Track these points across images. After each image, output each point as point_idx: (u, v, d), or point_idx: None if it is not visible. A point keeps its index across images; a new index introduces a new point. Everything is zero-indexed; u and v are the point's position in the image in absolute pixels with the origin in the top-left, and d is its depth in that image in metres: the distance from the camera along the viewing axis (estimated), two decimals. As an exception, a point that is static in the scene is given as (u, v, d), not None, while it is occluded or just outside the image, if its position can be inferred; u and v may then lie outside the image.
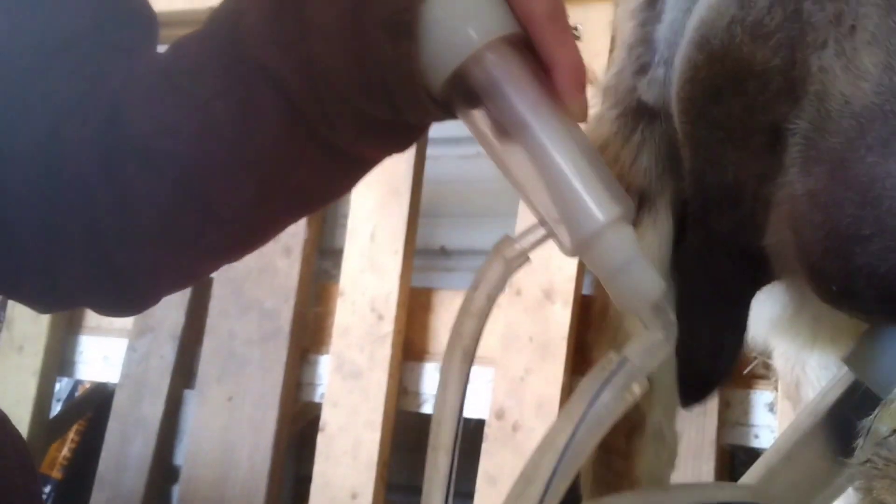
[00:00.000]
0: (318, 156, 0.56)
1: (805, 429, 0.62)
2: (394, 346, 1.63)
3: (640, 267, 0.46)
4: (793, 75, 0.57)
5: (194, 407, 1.74)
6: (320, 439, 1.63)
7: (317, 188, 0.59)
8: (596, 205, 0.46)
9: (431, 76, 0.49)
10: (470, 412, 1.60)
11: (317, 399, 1.70)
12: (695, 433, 1.41)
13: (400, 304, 1.65)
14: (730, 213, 0.61)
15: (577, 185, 0.47)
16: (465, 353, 0.53)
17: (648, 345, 0.46)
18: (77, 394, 2.16)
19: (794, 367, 1.17)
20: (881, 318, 0.59)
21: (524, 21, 0.49)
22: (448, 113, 0.52)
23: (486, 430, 1.52)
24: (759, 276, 0.64)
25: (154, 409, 1.78)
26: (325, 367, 1.69)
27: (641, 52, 0.71)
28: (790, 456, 0.61)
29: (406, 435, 1.66)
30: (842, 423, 0.60)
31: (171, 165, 0.55)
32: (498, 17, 0.49)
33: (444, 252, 2.14)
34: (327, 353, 1.69)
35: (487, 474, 1.50)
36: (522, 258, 0.51)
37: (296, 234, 1.73)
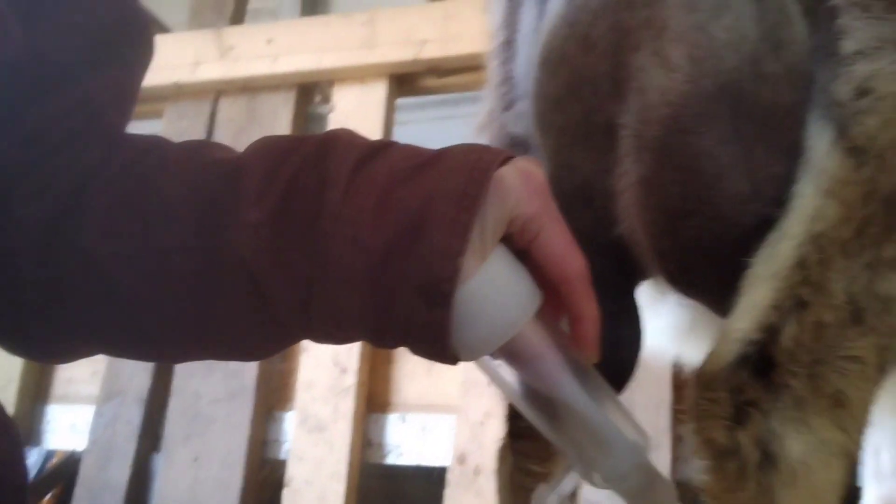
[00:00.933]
0: (272, 335, 0.56)
1: None
2: (357, 398, 1.66)
3: (662, 484, 0.53)
4: (618, 77, 0.62)
5: (161, 469, 1.75)
6: (286, 494, 1.63)
7: (264, 352, 0.59)
8: (623, 451, 0.52)
9: (465, 346, 0.50)
10: (432, 461, 1.62)
11: (282, 456, 1.71)
12: (649, 467, 1.43)
13: (363, 357, 1.68)
14: (586, 210, 0.66)
15: (606, 436, 0.52)
16: None
17: None
18: (49, 464, 2.15)
19: None
20: (720, 298, 0.63)
21: (559, 280, 0.53)
22: (458, 361, 0.53)
23: (449, 475, 1.53)
24: (629, 267, 0.68)
25: (121, 474, 1.78)
26: (291, 424, 1.71)
27: (506, 90, 0.77)
28: None
29: (371, 487, 1.67)
30: None
31: (108, 279, 0.53)
32: (531, 293, 0.52)
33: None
34: (292, 409, 1.71)
35: (451, 520, 1.52)
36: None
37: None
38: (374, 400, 1.69)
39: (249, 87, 1.91)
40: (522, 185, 0.51)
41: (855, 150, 0.56)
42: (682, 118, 0.59)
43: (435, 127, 2.43)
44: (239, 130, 1.91)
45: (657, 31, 0.60)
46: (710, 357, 0.58)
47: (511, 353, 0.52)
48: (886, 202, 0.56)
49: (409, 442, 1.65)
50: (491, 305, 0.50)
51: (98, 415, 1.83)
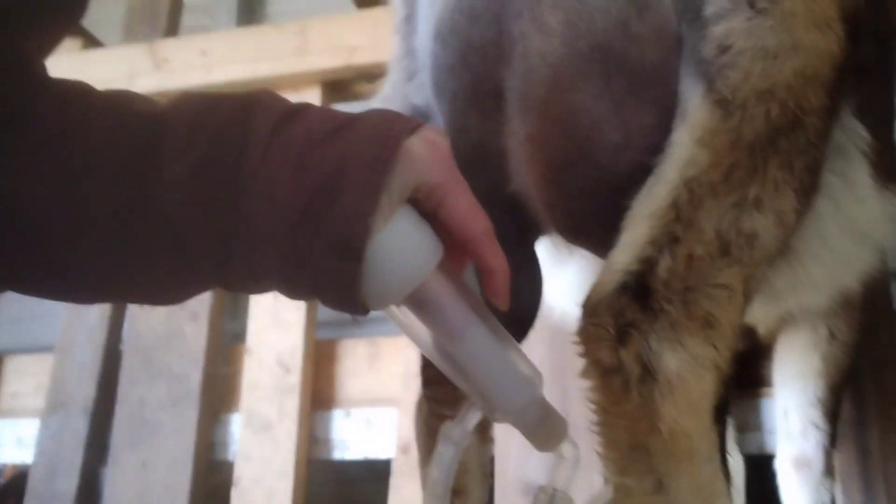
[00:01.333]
0: (189, 281, 0.59)
1: None
2: (301, 396, 1.69)
3: (554, 420, 0.59)
4: (502, 44, 0.68)
5: (110, 477, 1.76)
6: (234, 494, 1.65)
7: (177, 298, 0.61)
8: (519, 389, 0.58)
9: (372, 296, 0.55)
10: (378, 453, 1.66)
11: (230, 457, 1.73)
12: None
13: (306, 356, 1.72)
14: (482, 169, 0.71)
15: (505, 376, 0.58)
16: None
17: (568, 471, 0.59)
18: (-1, 479, 2.14)
19: None
20: (603, 244, 0.69)
21: (466, 239, 0.58)
22: (367, 311, 0.57)
23: (393, 465, 1.58)
24: (527, 222, 0.74)
25: (69, 484, 1.78)
26: (237, 425, 1.73)
27: (407, 63, 0.84)
28: None
29: (319, 482, 1.71)
30: None
31: (25, 218, 0.55)
32: (432, 248, 0.57)
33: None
34: (238, 411, 1.74)
35: (397, 508, 1.56)
36: (467, 438, 0.61)
37: (202, 299, 1.80)
38: (318, 397, 1.73)
39: (185, 98, 1.94)
40: (429, 154, 0.56)
41: (721, 102, 0.62)
42: (560, 77, 0.65)
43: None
44: (176, 141, 1.93)
45: (535, 0, 0.66)
46: (595, 287, 0.64)
47: (417, 301, 0.57)
48: (750, 148, 0.62)
49: (354, 436, 1.69)
50: (396, 257, 0.55)
51: (44, 427, 1.83)
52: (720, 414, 0.62)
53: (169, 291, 0.61)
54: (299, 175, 0.53)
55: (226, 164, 0.54)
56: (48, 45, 0.61)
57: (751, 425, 1.38)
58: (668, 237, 0.62)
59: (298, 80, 1.86)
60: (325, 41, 1.84)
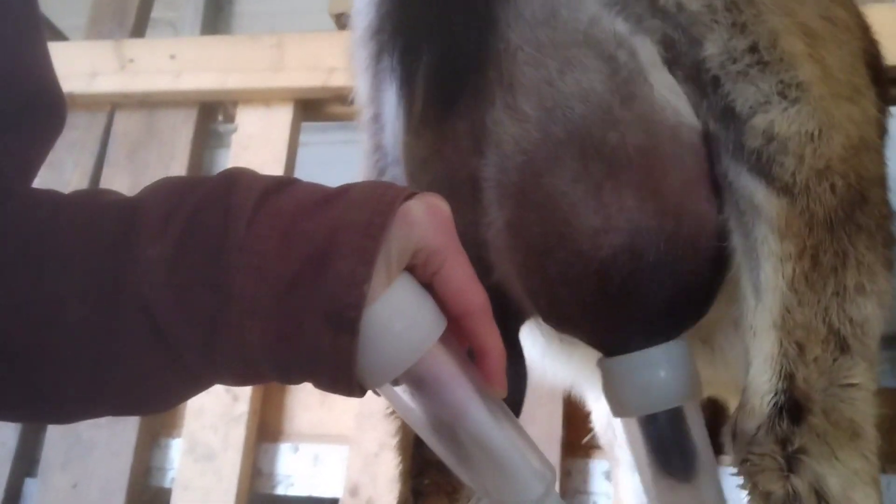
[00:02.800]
0: (177, 382, 0.55)
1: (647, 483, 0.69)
2: (248, 426, 1.63)
3: None
4: (476, 134, 0.66)
5: (37, 495, 1.67)
6: (169, 525, 1.59)
7: (167, 402, 0.58)
8: (530, 481, 0.54)
9: (370, 372, 0.51)
10: (324, 492, 1.61)
11: (167, 484, 1.66)
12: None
13: (256, 385, 1.66)
14: None
15: (514, 465, 0.54)
16: None
17: None
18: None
19: (606, 430, 1.28)
20: (589, 329, 0.68)
21: (460, 314, 0.54)
22: (365, 391, 0.53)
23: (340, 507, 1.54)
24: (509, 311, 0.72)
25: (-8, 499, 1.69)
26: (177, 451, 1.66)
27: (378, 158, 0.82)
28: None
29: (258, 519, 1.64)
30: (670, 452, 0.68)
31: None
32: (435, 318, 0.53)
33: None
34: (179, 436, 1.67)
35: (340, 553, 1.51)
36: None
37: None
38: (265, 428, 1.67)
39: (148, 102, 1.86)
40: (428, 219, 0.53)
41: (784, 189, 0.61)
42: (535, 162, 0.63)
43: (336, 150, 2.42)
44: (135, 145, 1.85)
45: (507, 87, 0.64)
46: (744, 412, 0.62)
47: (416, 379, 0.53)
48: (828, 226, 0.61)
49: (300, 472, 1.63)
50: (395, 330, 0.51)
51: (-31, 438, 1.73)
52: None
53: (155, 396, 0.56)
54: (287, 244, 0.50)
55: (207, 240, 0.50)
56: (26, 166, 0.58)
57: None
58: (796, 346, 0.60)
59: (271, 96, 1.80)
60: (302, 58, 1.78)
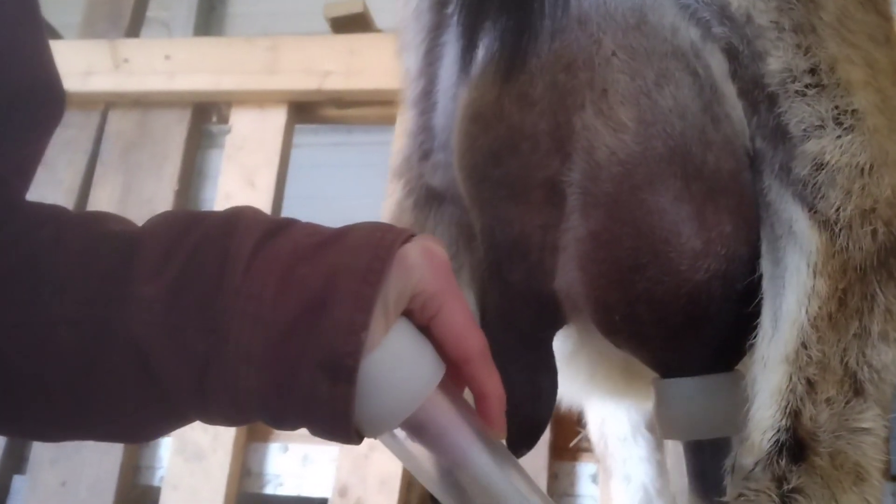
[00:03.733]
0: (163, 417, 0.54)
1: None
2: (238, 426, 1.64)
3: None
4: (559, 135, 0.65)
5: (26, 493, 1.67)
6: (158, 524, 1.60)
7: (151, 434, 0.57)
8: None
9: (369, 421, 0.50)
10: (313, 492, 1.62)
11: (156, 482, 1.67)
12: (526, 504, 1.49)
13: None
14: (520, 263, 0.67)
15: None
16: None
17: None
18: None
19: (600, 441, 1.28)
20: (656, 348, 0.67)
21: (459, 358, 0.53)
22: (362, 439, 0.52)
23: (329, 507, 1.55)
24: (553, 318, 0.70)
25: (-21, 496, 1.69)
26: (166, 450, 1.66)
27: (424, 139, 0.79)
28: None
29: (249, 518, 1.65)
30: (715, 479, 0.65)
31: None
32: (434, 365, 0.52)
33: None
34: (168, 435, 1.67)
35: (330, 552, 1.52)
36: None
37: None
38: (255, 428, 1.67)
39: (143, 102, 1.87)
40: (425, 263, 0.52)
41: (826, 224, 0.60)
42: (633, 175, 0.62)
43: (327, 152, 2.43)
44: (129, 144, 1.86)
45: (601, 93, 0.63)
46: (746, 447, 0.60)
47: (416, 426, 0.52)
48: (861, 272, 0.60)
49: (289, 472, 1.64)
50: (394, 377, 0.50)
51: (-44, 435, 1.73)
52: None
53: (140, 428, 0.56)
54: (285, 290, 0.49)
55: (204, 283, 0.50)
56: (26, 166, 0.57)
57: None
58: (806, 382, 0.59)
59: (265, 98, 1.81)
60: (297, 62, 1.79)
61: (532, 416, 0.68)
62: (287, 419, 0.50)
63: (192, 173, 1.87)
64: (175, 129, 1.87)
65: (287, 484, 1.64)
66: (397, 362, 0.50)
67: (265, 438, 1.67)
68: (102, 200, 1.80)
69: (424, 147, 0.79)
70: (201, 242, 0.51)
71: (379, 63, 1.71)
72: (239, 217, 0.53)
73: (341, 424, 0.49)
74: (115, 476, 1.64)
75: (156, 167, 1.83)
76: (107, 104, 1.89)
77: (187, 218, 0.54)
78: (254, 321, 0.48)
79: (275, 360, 0.48)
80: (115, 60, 1.85)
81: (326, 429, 0.50)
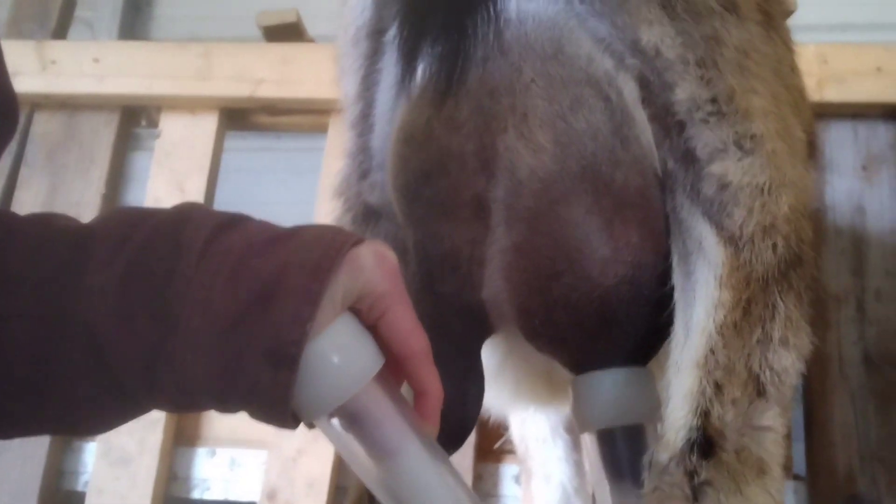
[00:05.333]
0: (116, 406, 0.55)
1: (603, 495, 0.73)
2: (165, 431, 1.64)
3: None
4: (485, 156, 0.70)
5: (-58, 501, 1.63)
6: (84, 528, 1.58)
7: (105, 425, 0.59)
8: None
9: (305, 405, 0.53)
10: (241, 496, 1.63)
11: (80, 487, 1.65)
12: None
13: (191, 412, 1.66)
14: (451, 275, 0.73)
15: (448, 499, 0.56)
16: None
17: None
18: None
19: (521, 443, 1.34)
20: (574, 349, 0.72)
21: (403, 357, 0.56)
22: (298, 423, 0.55)
23: (258, 511, 1.56)
24: (482, 327, 0.76)
25: None
26: (91, 455, 1.65)
27: (362, 160, 0.84)
28: None
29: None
30: (629, 466, 0.72)
31: None
32: (373, 355, 0.55)
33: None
34: (93, 440, 1.66)
35: (257, 555, 1.54)
36: None
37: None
38: (182, 433, 1.68)
39: (70, 104, 1.85)
40: (376, 265, 0.55)
41: (731, 239, 0.66)
42: (551, 192, 0.68)
43: (256, 157, 2.43)
44: (55, 146, 1.83)
45: (521, 117, 0.69)
46: (661, 445, 0.66)
47: (353, 415, 0.55)
48: (763, 283, 0.66)
49: (217, 476, 1.65)
50: (332, 363, 0.52)
51: None
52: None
53: (94, 418, 0.57)
54: (235, 281, 0.51)
55: (155, 271, 0.52)
56: None
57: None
58: (714, 385, 0.65)
59: (197, 104, 1.81)
60: (229, 68, 1.80)
61: (460, 419, 0.72)
62: (230, 404, 0.53)
63: (119, 177, 1.86)
64: (103, 131, 1.85)
65: (214, 488, 1.64)
66: (336, 350, 0.52)
67: (192, 443, 1.67)
68: (27, 203, 1.77)
69: (363, 167, 0.84)
70: (153, 234, 0.53)
71: (312, 72, 1.74)
72: (191, 211, 0.55)
73: (279, 409, 0.51)
74: (38, 481, 1.61)
75: (83, 170, 1.81)
76: (33, 105, 1.86)
77: (138, 212, 0.56)
78: (204, 309, 0.50)
79: (222, 347, 0.50)
80: (42, 62, 1.83)
81: (265, 413, 0.53)
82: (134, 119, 1.91)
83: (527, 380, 0.92)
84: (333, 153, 1.72)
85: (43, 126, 1.86)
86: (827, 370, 1.49)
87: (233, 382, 0.51)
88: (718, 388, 0.65)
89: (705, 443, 0.64)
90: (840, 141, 1.63)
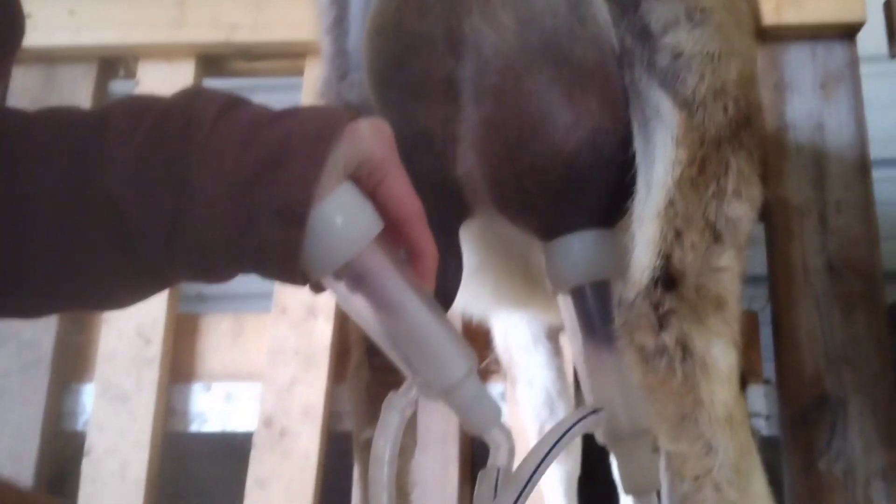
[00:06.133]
0: (138, 277, 0.60)
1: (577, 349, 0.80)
2: (161, 368, 1.69)
3: (488, 402, 0.64)
4: (452, 38, 0.75)
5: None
6: (85, 464, 1.63)
7: (130, 297, 0.63)
8: (455, 363, 0.63)
9: (313, 263, 0.58)
10: (236, 427, 1.69)
11: (80, 427, 1.70)
12: (440, 421, 1.61)
13: (167, 328, 1.71)
14: (427, 154, 0.78)
15: (442, 349, 0.62)
16: (389, 498, 0.64)
17: (505, 457, 0.64)
18: None
19: (505, 352, 1.41)
20: (543, 215, 0.78)
21: (399, 220, 0.61)
22: (307, 281, 0.60)
23: (255, 438, 1.61)
24: (459, 206, 0.82)
25: None
26: (89, 395, 1.70)
27: (340, 63, 0.89)
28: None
29: (176, 454, 1.71)
30: (598, 319, 0.78)
31: None
32: (373, 218, 0.60)
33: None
34: (91, 381, 1.71)
35: (257, 479, 1.59)
36: (412, 407, 0.65)
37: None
38: (178, 370, 1.73)
39: (47, 57, 1.87)
40: (373, 136, 0.60)
41: (685, 103, 0.72)
42: (515, 67, 0.74)
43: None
44: (35, 100, 1.86)
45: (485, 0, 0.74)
46: (629, 284, 0.72)
47: (357, 273, 0.60)
48: (716, 142, 0.72)
49: (213, 410, 1.71)
50: (337, 224, 0.58)
51: None
52: (742, 384, 0.73)
53: (118, 291, 0.62)
54: (245, 149, 0.56)
55: (170, 144, 0.56)
56: None
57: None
58: (674, 232, 0.71)
59: (173, 51, 1.85)
60: (203, 15, 1.83)
61: (442, 290, 0.77)
62: (244, 263, 0.58)
63: (101, 127, 1.89)
64: (81, 84, 1.88)
65: (212, 421, 1.70)
66: (339, 213, 0.58)
67: (188, 379, 1.73)
68: (11, 155, 1.80)
69: (341, 69, 0.88)
70: (165, 112, 0.58)
71: (286, 15, 1.78)
72: (199, 91, 0.60)
73: (289, 265, 0.56)
74: (39, 423, 1.66)
75: (64, 121, 1.84)
76: (11, 60, 1.88)
77: (147, 97, 0.61)
78: (217, 175, 0.55)
79: (236, 209, 0.55)
80: (17, 16, 1.85)
81: (276, 270, 0.58)
82: (112, 70, 1.93)
83: (505, 279, 0.98)
84: (310, 95, 1.76)
85: (22, 80, 1.88)
86: (792, 279, 1.56)
87: (246, 241, 0.56)
88: (678, 234, 0.71)
89: (668, 279, 0.71)
90: (799, 61, 1.69)
